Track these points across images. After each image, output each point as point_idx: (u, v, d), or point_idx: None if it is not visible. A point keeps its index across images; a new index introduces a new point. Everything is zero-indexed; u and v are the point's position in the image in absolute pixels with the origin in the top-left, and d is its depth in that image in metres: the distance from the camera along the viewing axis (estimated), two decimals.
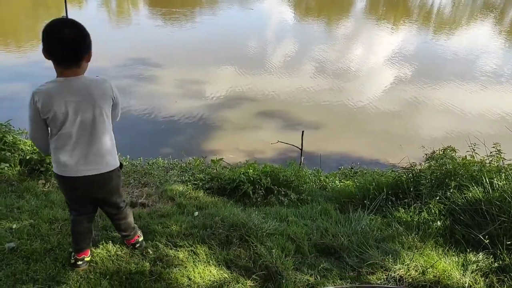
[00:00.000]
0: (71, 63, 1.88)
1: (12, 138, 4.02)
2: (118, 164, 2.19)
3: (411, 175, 3.64)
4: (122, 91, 8.38)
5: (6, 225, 2.93)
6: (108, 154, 2.09)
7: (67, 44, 1.83)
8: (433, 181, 3.37)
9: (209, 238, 2.84)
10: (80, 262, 2.46)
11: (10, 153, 3.85)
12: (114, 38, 13.16)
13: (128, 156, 5.11)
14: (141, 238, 2.64)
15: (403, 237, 2.91)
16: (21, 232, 2.83)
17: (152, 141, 6.45)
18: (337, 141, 6.70)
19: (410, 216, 3.17)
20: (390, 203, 3.36)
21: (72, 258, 2.46)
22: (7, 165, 3.73)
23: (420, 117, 8.08)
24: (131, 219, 2.52)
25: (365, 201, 3.32)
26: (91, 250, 2.56)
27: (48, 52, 1.83)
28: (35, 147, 4.08)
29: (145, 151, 5.84)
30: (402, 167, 3.89)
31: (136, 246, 2.58)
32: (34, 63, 9.57)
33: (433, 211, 3.14)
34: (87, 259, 2.50)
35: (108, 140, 2.07)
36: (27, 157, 3.84)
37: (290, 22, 17.31)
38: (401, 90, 9.31)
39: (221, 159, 4.78)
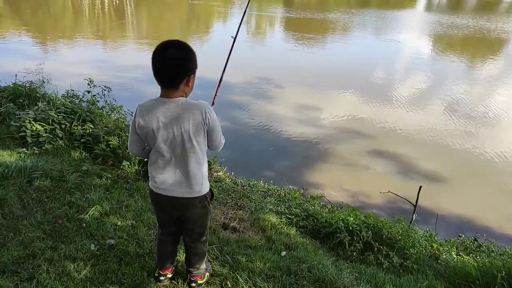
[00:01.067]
0: (169, 83, 1.90)
1: None
2: (204, 192, 2.13)
3: None
4: (242, 107, 8.77)
5: (113, 220, 3.19)
6: (194, 180, 2.05)
7: (167, 62, 1.84)
8: None
9: (291, 287, 2.62)
10: (162, 278, 2.51)
11: None
12: (248, 56, 13.99)
13: (233, 173, 5.21)
14: (201, 281, 2.52)
15: None
16: (122, 230, 3.05)
17: (258, 160, 6.50)
18: (460, 200, 5.75)
19: None
20: None
21: (156, 271, 2.52)
22: (128, 163, 4.13)
23: None
24: (202, 259, 2.45)
25: None
26: (175, 268, 2.60)
27: (152, 69, 1.87)
28: None
29: (250, 169, 5.90)
30: None
31: (192, 285, 2.48)
32: None
33: None
34: (169, 276, 2.54)
35: (196, 166, 2.03)
36: (145, 159, 4.18)
37: (426, 57, 16.00)
38: None
39: (321, 196, 4.52)
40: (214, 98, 2.63)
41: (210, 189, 2.24)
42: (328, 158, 6.67)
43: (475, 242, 4.23)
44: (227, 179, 4.86)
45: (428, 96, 10.69)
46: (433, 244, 3.71)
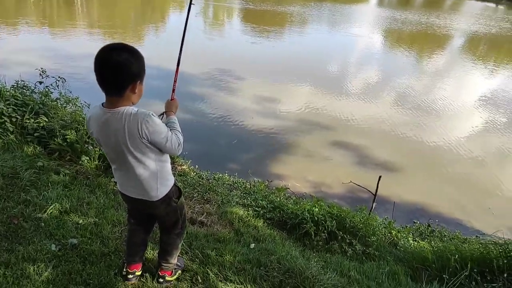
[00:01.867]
0: (112, 91, 1.76)
1: None
2: (162, 196, 2.05)
3: (504, 253, 3.09)
4: (203, 99, 8.65)
5: (74, 218, 3.05)
6: (147, 186, 1.98)
7: (109, 68, 1.69)
8: None
9: (261, 279, 2.65)
10: (130, 276, 2.44)
11: (92, 147, 4.06)
12: (207, 48, 13.77)
13: (197, 166, 5.16)
14: (170, 278, 2.47)
15: None
16: (85, 229, 2.92)
17: (222, 153, 6.47)
18: (413, 188, 6.11)
19: None
20: (473, 282, 2.87)
21: (124, 269, 2.45)
22: (88, 158, 3.94)
23: None
24: (173, 253, 2.41)
25: (444, 275, 2.88)
26: (143, 265, 2.53)
27: (95, 76, 1.72)
28: None
29: (214, 162, 5.87)
30: (492, 239, 3.35)
31: (159, 280, 2.44)
32: None
33: None
34: (138, 273, 2.47)
35: (145, 174, 1.94)
36: None
37: (377, 50, 16.71)
38: (491, 139, 8.30)
39: (286, 188, 4.60)
40: (174, 85, 2.40)
41: (176, 186, 2.18)
42: (290, 150, 6.79)
43: (429, 228, 4.53)
44: (192, 173, 4.80)
45: (382, 88, 11.18)
46: (392, 231, 3.93)
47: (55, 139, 3.96)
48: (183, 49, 2.36)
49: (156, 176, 1.98)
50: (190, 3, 2.48)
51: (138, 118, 1.75)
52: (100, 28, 15.37)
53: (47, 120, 4.19)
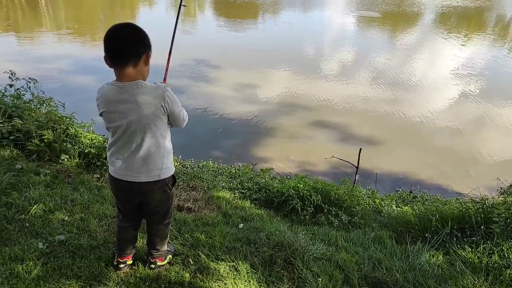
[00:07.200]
0: (129, 59, 1.81)
1: (74, 130, 4.19)
2: (164, 177, 2.08)
3: (481, 209, 3.23)
4: (182, 90, 8.58)
5: (59, 216, 3.02)
6: (152, 165, 2.01)
7: (124, 39, 1.79)
8: (508, 220, 2.96)
9: (252, 255, 2.71)
10: (122, 265, 2.44)
11: (71, 145, 4.01)
12: (179, 39, 13.59)
13: (180, 156, 5.15)
14: (161, 263, 2.50)
15: (469, 281, 2.56)
16: (71, 225, 2.90)
17: (205, 142, 6.47)
18: (394, 159, 6.28)
19: (478, 258, 2.80)
20: (454, 239, 3.00)
21: (115, 260, 2.45)
22: (67, 156, 3.88)
23: (488, 139, 7.34)
24: (163, 241, 2.44)
25: (426, 234, 2.99)
26: (134, 253, 2.55)
27: (105, 50, 1.79)
28: (94, 141, 4.24)
29: (197, 152, 5.88)
30: (471, 198, 3.49)
31: (151, 266, 2.46)
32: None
33: (506, 255, 2.75)
34: (129, 262, 2.48)
35: (154, 151, 1.98)
36: (86, 151, 3.97)
37: (351, 30, 16.87)
38: (467, 108, 8.58)
39: (270, 168, 4.65)
40: (166, 74, 2.53)
41: (172, 174, 2.20)
42: (273, 133, 6.85)
43: (411, 194, 4.68)
44: (175, 163, 4.79)
45: (359, 67, 11.31)
46: (376, 200, 4.04)
47: (32, 140, 3.88)
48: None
49: (163, 155, 2.03)
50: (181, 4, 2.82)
51: (161, 88, 1.89)
52: (68, 29, 14.93)
53: (21, 122, 4.09)
